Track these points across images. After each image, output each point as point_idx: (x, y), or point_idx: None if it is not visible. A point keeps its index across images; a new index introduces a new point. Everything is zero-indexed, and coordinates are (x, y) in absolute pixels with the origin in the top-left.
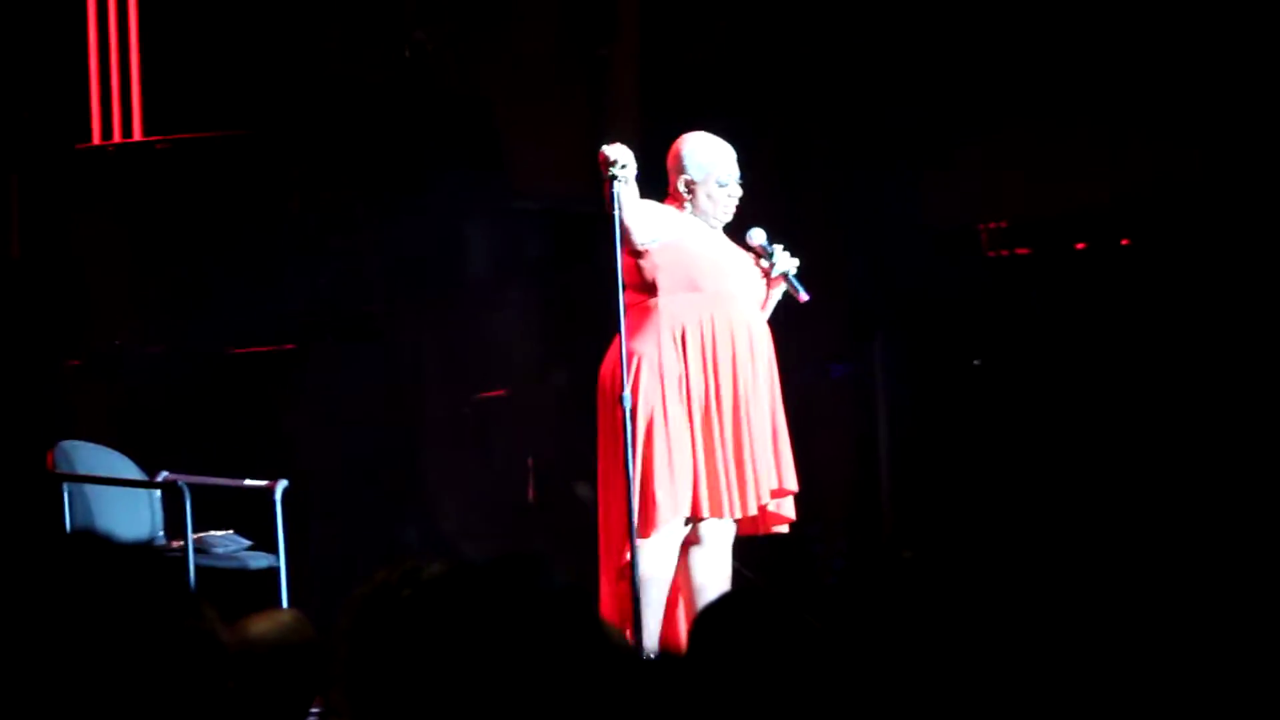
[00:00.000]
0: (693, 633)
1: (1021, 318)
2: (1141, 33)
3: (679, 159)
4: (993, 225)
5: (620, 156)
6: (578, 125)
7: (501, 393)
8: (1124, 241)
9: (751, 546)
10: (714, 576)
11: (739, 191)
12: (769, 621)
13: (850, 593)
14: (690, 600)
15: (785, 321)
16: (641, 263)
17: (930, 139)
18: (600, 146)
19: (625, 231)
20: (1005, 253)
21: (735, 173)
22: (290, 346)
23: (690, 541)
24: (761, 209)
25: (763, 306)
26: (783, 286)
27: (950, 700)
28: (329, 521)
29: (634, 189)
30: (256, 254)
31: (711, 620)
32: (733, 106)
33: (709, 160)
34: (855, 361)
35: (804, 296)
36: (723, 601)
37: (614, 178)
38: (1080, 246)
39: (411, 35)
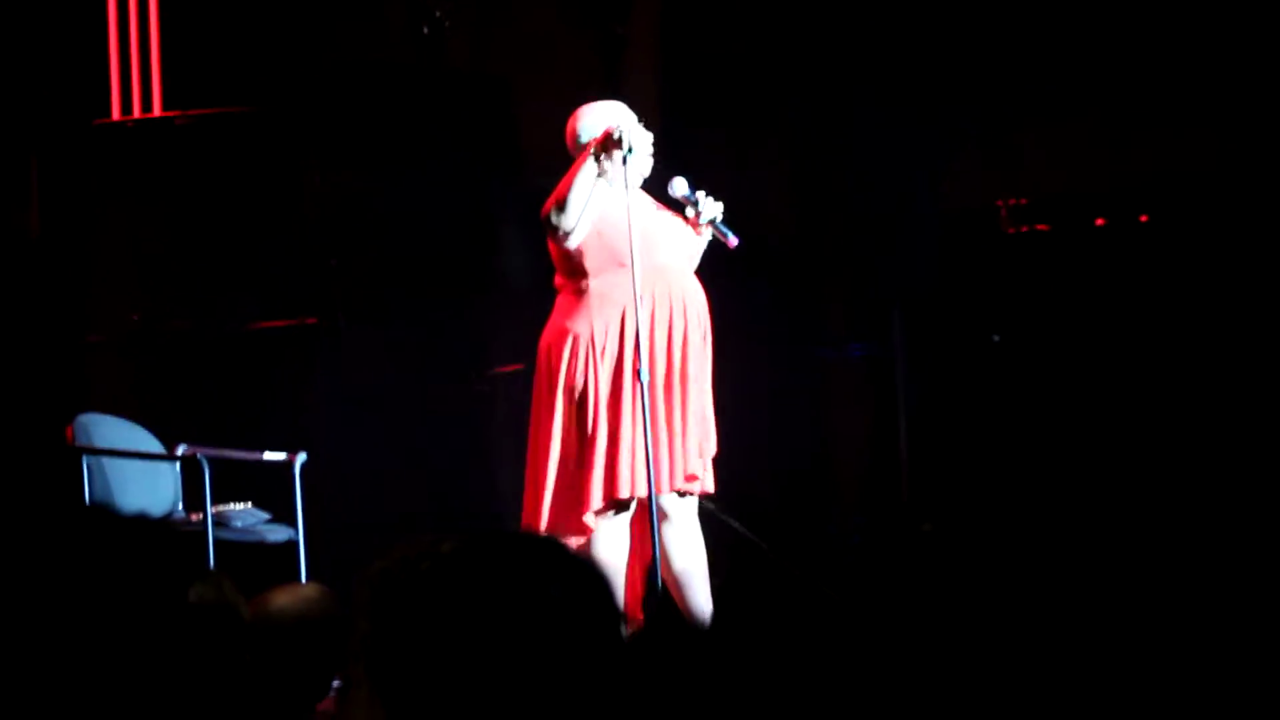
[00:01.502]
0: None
1: (1041, 294)
2: (1162, 10)
3: (582, 131)
4: (1012, 202)
5: (632, 139)
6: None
7: (519, 367)
8: (1143, 218)
9: (770, 523)
10: (690, 554)
11: (650, 135)
12: (786, 595)
13: (867, 567)
14: (675, 580)
15: (806, 299)
16: (568, 247)
17: (949, 116)
18: (586, 119)
19: (571, 216)
20: (1024, 229)
21: (636, 120)
22: (310, 321)
23: (659, 519)
24: (780, 184)
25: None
26: (710, 233)
27: (964, 679)
28: (347, 495)
29: (596, 172)
30: (274, 230)
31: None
32: (751, 84)
33: (612, 119)
34: (874, 339)
35: (733, 241)
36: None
37: (630, 156)
38: (1100, 223)
39: (429, 12)
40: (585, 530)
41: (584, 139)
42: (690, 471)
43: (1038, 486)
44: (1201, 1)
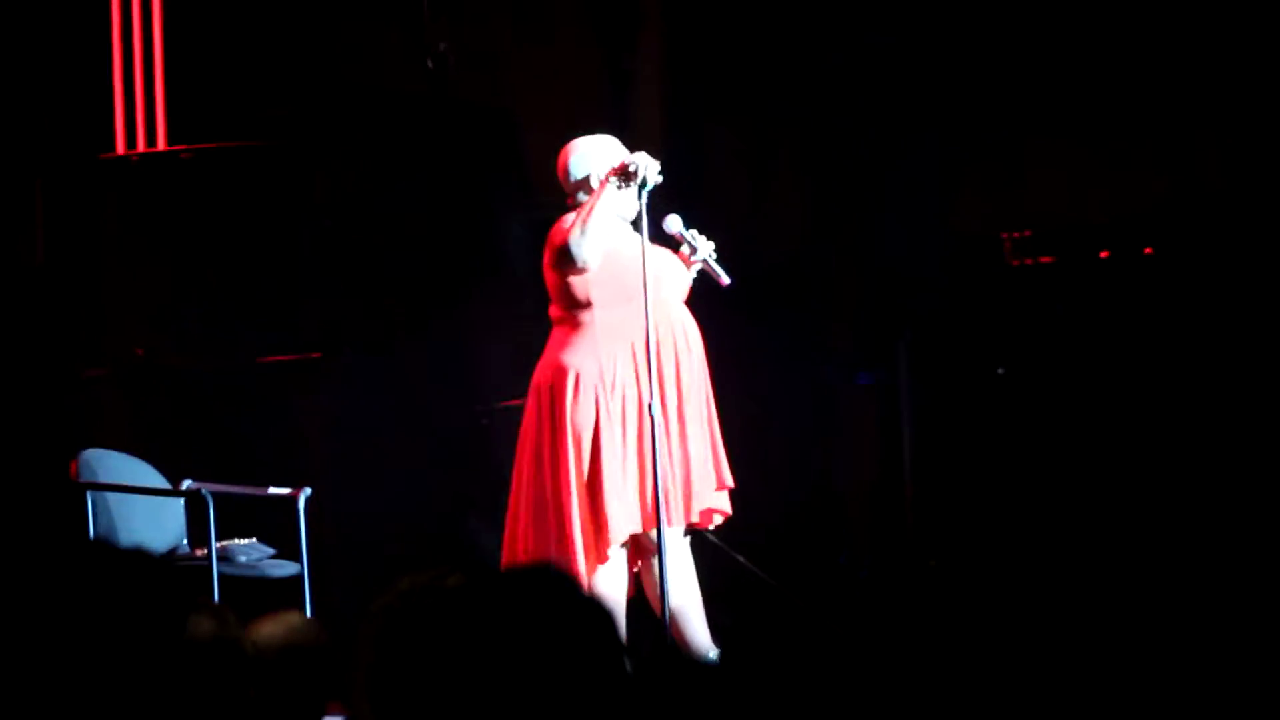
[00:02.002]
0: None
1: (1045, 327)
2: (1165, 43)
3: (575, 165)
4: (1016, 235)
5: (646, 172)
6: (601, 135)
7: (523, 400)
8: (1147, 250)
9: (776, 554)
10: (684, 589)
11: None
12: (793, 629)
13: (874, 600)
14: (671, 616)
15: (811, 331)
16: (571, 279)
17: (955, 148)
18: (577, 154)
19: (589, 249)
20: (1029, 261)
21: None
22: (315, 355)
23: (648, 552)
24: (785, 217)
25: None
26: (698, 267)
27: (970, 702)
28: (353, 530)
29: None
30: (279, 263)
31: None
32: (757, 118)
33: (608, 152)
34: (879, 369)
35: (725, 280)
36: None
37: (643, 187)
38: (1104, 255)
39: (435, 46)
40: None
41: (576, 173)
42: (704, 507)
43: (1042, 519)
44: (1204, 35)
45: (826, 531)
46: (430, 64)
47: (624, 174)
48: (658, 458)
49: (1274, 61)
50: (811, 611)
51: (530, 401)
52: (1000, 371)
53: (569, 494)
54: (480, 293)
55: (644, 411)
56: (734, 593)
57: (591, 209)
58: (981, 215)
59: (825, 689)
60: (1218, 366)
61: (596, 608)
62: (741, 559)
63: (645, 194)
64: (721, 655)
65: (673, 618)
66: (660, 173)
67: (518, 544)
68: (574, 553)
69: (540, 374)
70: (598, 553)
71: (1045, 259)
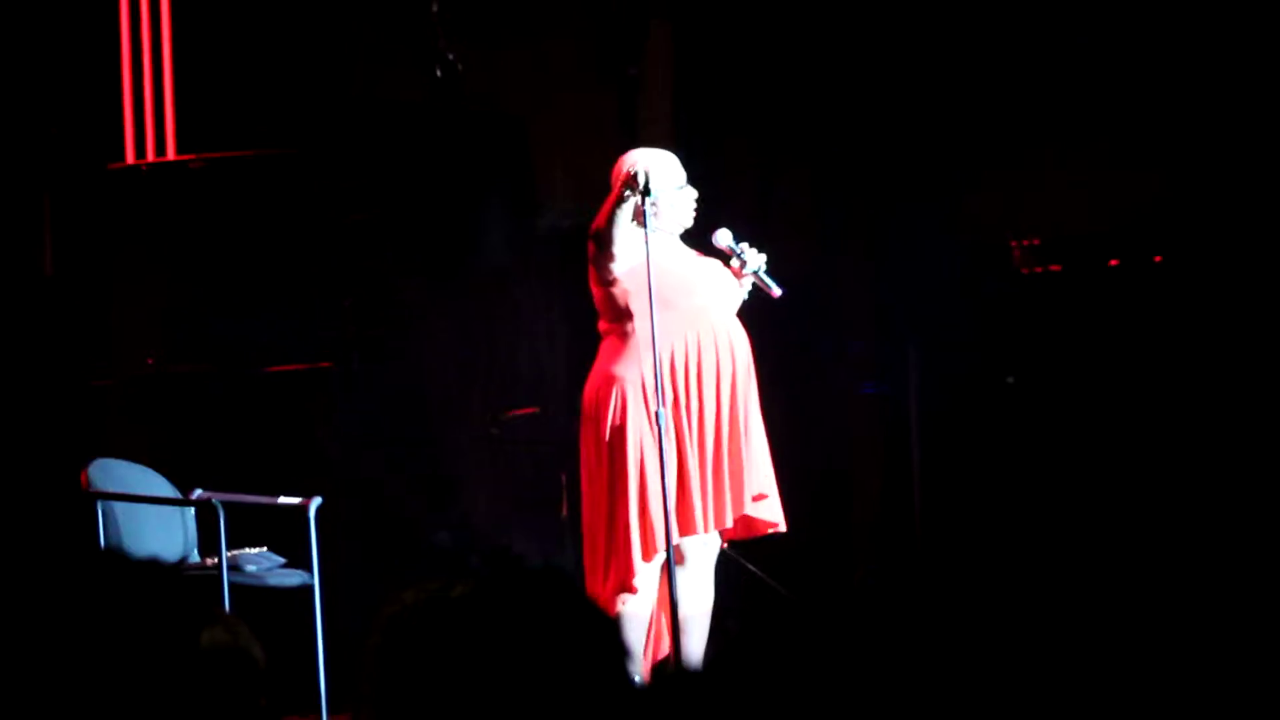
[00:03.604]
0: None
1: (1055, 335)
2: (1171, 49)
3: (623, 172)
4: (1025, 242)
5: (651, 183)
6: (609, 144)
7: (532, 410)
8: (1157, 259)
9: (782, 561)
10: (699, 602)
11: (695, 192)
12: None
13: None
14: (674, 626)
15: (820, 339)
16: (613, 290)
17: (964, 156)
18: (625, 161)
19: (609, 257)
20: (1039, 269)
21: (684, 174)
22: (325, 365)
23: (674, 563)
24: (795, 227)
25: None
26: (751, 281)
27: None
28: (363, 539)
29: (629, 213)
30: (288, 273)
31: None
32: (766, 126)
33: (664, 167)
34: (888, 378)
35: (776, 292)
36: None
37: (648, 199)
38: (1114, 264)
39: (443, 55)
40: (634, 590)
41: None
42: (727, 521)
43: (1051, 527)
44: (1210, 44)
45: (836, 541)
46: (439, 73)
47: (630, 183)
48: (686, 465)
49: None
50: (819, 619)
51: (583, 415)
52: (1010, 380)
53: (627, 502)
54: (490, 303)
55: (654, 419)
56: (743, 601)
57: (601, 215)
58: (991, 223)
59: (829, 696)
60: (1227, 375)
61: (601, 616)
62: (752, 567)
63: (650, 202)
64: (729, 662)
65: (676, 626)
66: (682, 187)
67: (597, 567)
68: (631, 558)
69: (589, 387)
70: (630, 576)
71: (1055, 267)
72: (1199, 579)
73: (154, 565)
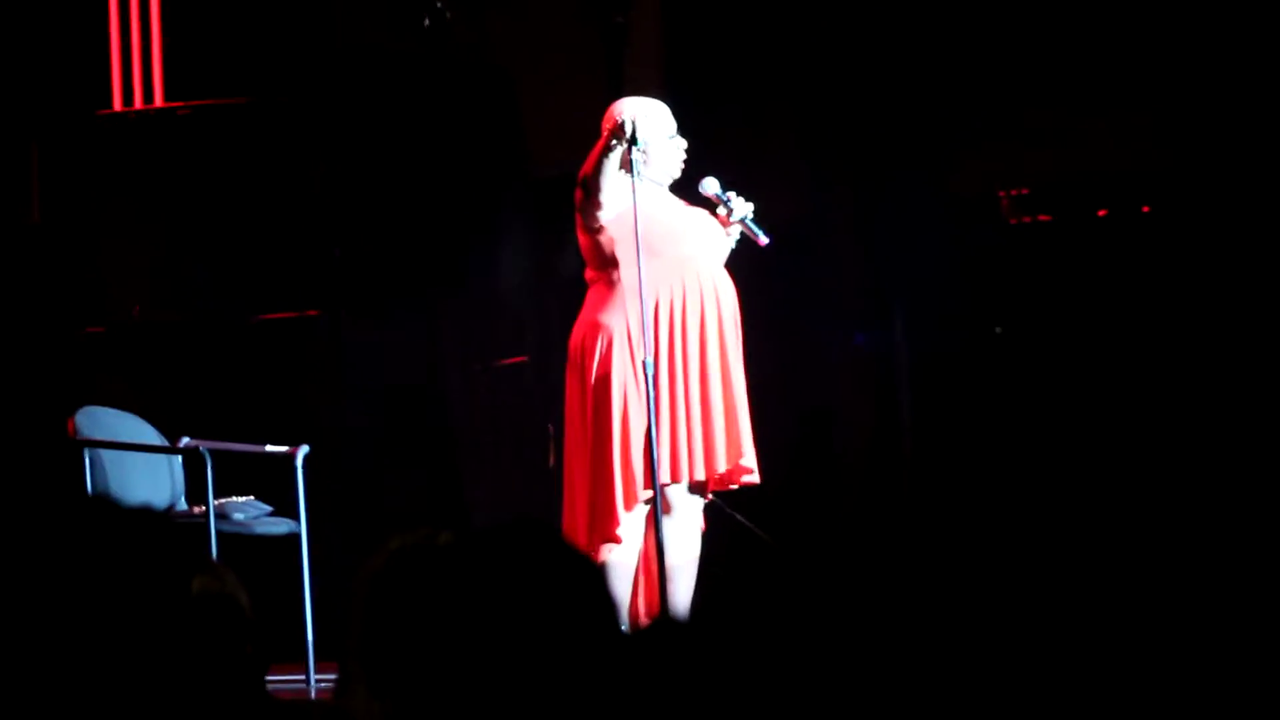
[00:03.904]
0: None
1: (1043, 285)
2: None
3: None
4: (1014, 192)
5: (638, 131)
6: (596, 94)
7: (521, 359)
8: (1144, 209)
9: (773, 515)
10: (685, 551)
11: (684, 142)
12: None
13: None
14: (660, 573)
15: (809, 290)
16: (599, 238)
17: (953, 106)
18: (614, 110)
19: (595, 204)
20: (1027, 219)
21: (674, 125)
22: (312, 313)
23: (661, 511)
24: (783, 177)
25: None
26: (738, 230)
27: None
28: (350, 488)
29: (617, 160)
30: (276, 221)
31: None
32: (754, 75)
33: (654, 116)
34: (877, 329)
35: (764, 240)
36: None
37: (636, 147)
38: (1102, 214)
39: (431, 2)
40: (618, 540)
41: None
42: (727, 467)
43: (1041, 480)
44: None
45: (824, 492)
46: (427, 21)
47: (617, 131)
48: (671, 413)
49: (1271, 24)
50: (804, 567)
51: (568, 363)
52: (998, 330)
53: (610, 449)
54: (477, 252)
55: (642, 368)
56: (731, 549)
57: (589, 162)
58: (979, 173)
59: (815, 649)
60: (1215, 324)
61: (587, 564)
62: (740, 517)
63: (637, 150)
64: (716, 614)
65: (662, 575)
66: (672, 136)
67: (576, 517)
68: (615, 507)
69: (574, 335)
70: (613, 527)
71: (1043, 217)
72: (1186, 537)
73: (146, 512)
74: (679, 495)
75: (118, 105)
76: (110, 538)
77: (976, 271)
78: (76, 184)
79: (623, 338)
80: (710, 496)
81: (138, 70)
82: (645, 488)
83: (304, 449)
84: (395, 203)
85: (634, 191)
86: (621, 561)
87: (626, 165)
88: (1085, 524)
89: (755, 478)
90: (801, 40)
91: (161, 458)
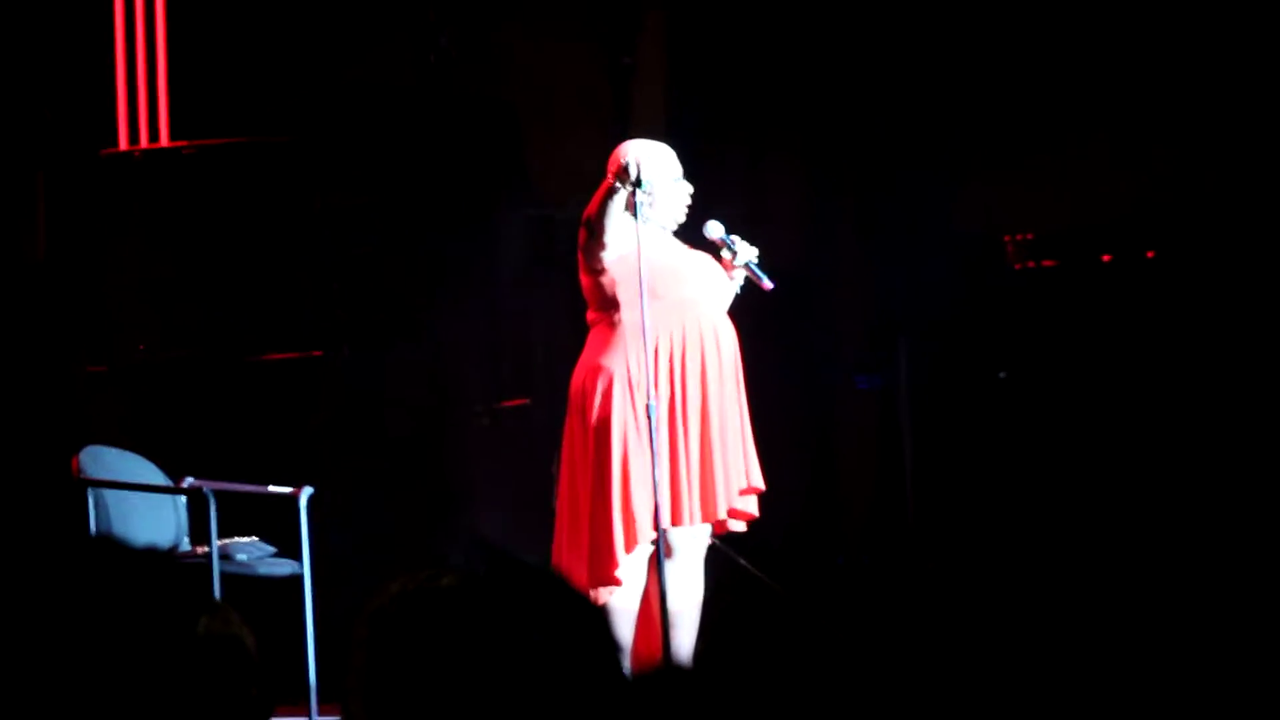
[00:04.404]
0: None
1: (1047, 330)
2: (1167, 44)
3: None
4: (1019, 237)
5: (644, 174)
6: (602, 133)
7: (523, 401)
8: (1149, 254)
9: (777, 557)
10: (688, 595)
11: (690, 187)
12: (785, 629)
13: (874, 601)
14: (662, 620)
15: (812, 333)
16: (601, 279)
17: (958, 150)
18: (620, 152)
19: (599, 245)
20: (1031, 264)
21: (680, 168)
22: (316, 353)
23: (663, 555)
24: (789, 218)
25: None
26: (742, 274)
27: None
28: (353, 528)
29: (621, 203)
30: (281, 260)
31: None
32: (760, 116)
33: (659, 159)
34: (880, 372)
35: (767, 284)
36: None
37: (641, 190)
38: (1106, 259)
39: (436, 41)
40: (616, 582)
41: None
42: (720, 513)
43: (1042, 523)
44: (1203, 35)
45: (827, 534)
46: (432, 59)
47: (621, 174)
48: (672, 456)
49: (1277, 64)
50: (810, 613)
51: (569, 405)
52: (1002, 375)
53: (610, 492)
54: (482, 290)
55: (645, 411)
56: (736, 595)
57: (593, 204)
58: (984, 218)
59: (821, 689)
60: (1219, 371)
61: (590, 608)
62: (743, 561)
63: (642, 193)
64: (719, 657)
65: (668, 620)
66: (678, 180)
67: (563, 549)
68: (614, 549)
69: (575, 377)
70: (611, 570)
71: (1047, 262)
72: (1190, 575)
73: (150, 553)
74: (681, 540)
75: (123, 144)
76: (115, 578)
77: (980, 316)
78: (81, 222)
79: (624, 380)
80: (715, 540)
81: (143, 109)
82: (652, 529)
83: (308, 490)
84: (399, 239)
85: (638, 234)
86: (623, 606)
87: (631, 208)
88: (1089, 567)
89: (754, 507)
90: (807, 83)
91: (165, 498)
